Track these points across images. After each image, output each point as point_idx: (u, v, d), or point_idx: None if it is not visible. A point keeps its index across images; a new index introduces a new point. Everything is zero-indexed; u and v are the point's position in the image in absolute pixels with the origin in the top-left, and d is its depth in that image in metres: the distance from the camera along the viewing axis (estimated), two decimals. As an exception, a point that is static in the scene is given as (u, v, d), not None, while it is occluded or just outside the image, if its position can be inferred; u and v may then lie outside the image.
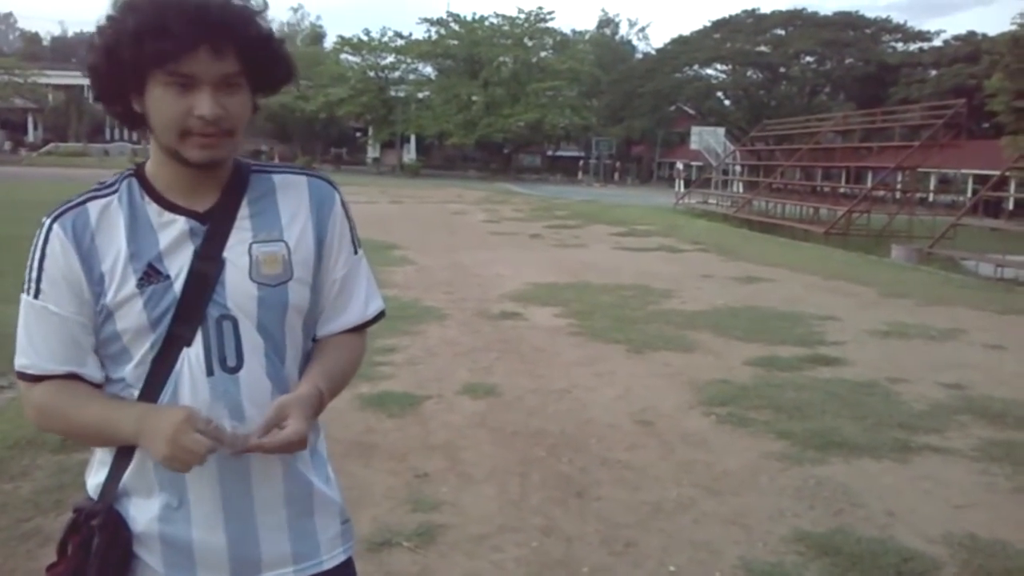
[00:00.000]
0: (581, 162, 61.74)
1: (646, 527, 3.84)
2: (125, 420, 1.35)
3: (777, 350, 7.39)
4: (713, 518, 3.95)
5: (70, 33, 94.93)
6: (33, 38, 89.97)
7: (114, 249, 1.37)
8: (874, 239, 20.70)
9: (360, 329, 1.58)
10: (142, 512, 1.42)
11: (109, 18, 1.31)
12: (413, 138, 60.87)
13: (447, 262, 13.05)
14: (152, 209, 1.40)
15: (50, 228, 1.38)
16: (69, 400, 1.39)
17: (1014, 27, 31.23)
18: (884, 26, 58.93)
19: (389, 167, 57.94)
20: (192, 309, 1.37)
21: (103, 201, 1.40)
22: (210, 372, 1.39)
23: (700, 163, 45.06)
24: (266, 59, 1.37)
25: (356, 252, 1.56)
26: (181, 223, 1.39)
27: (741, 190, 34.42)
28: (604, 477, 4.44)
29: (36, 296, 1.38)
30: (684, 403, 5.79)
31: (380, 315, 1.61)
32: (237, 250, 1.41)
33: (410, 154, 61.35)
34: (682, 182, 40.91)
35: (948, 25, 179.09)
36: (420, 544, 3.59)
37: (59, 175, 32.20)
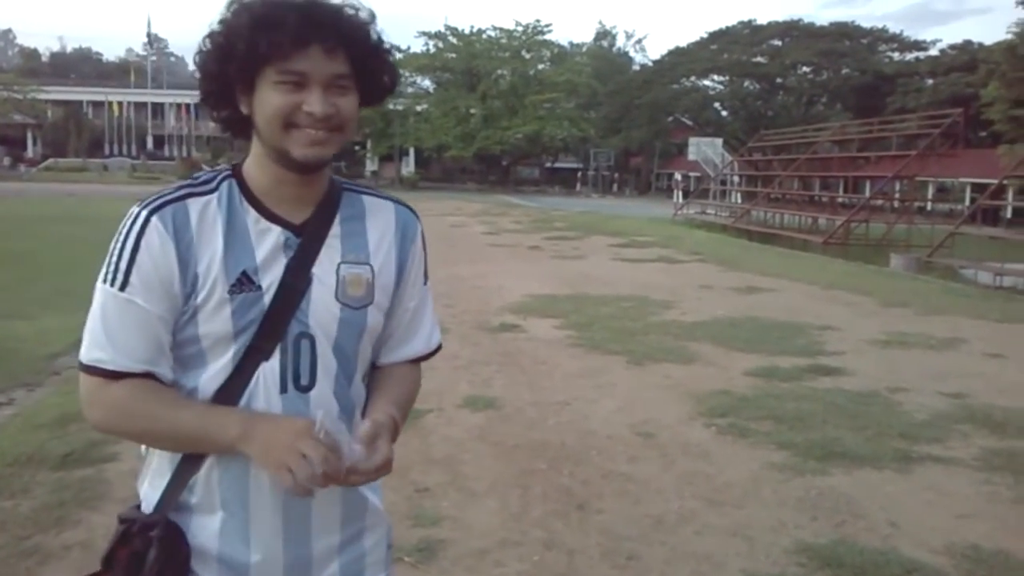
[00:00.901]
0: (579, 174, 61.95)
1: (648, 540, 3.83)
2: (229, 425, 1.32)
3: (777, 360, 7.38)
4: (715, 530, 3.94)
5: (69, 49, 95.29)
6: (32, 54, 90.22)
7: (211, 251, 1.34)
8: (873, 248, 20.75)
9: (420, 360, 1.60)
10: (202, 527, 1.39)
11: (222, 21, 1.32)
12: (412, 151, 61.05)
13: (446, 275, 13.04)
14: (250, 215, 1.38)
15: (148, 220, 1.33)
16: (157, 401, 1.34)
17: (1010, 36, 31.40)
18: (880, 36, 59.24)
19: (388, 180, 58.00)
20: (277, 323, 1.36)
21: (202, 200, 1.36)
22: (284, 389, 1.37)
23: (698, 174, 45.21)
24: (376, 66, 1.38)
25: (426, 283, 1.60)
26: (277, 233, 1.38)
27: (739, 200, 34.55)
28: (605, 490, 4.42)
29: (123, 288, 1.32)
30: (685, 414, 5.78)
31: (438, 348, 1.65)
32: (326, 268, 1.40)
33: (409, 167, 61.51)
34: (680, 193, 41.03)
35: (944, 34, 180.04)
36: (422, 560, 3.57)
37: (59, 190, 32.25)
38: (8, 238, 13.27)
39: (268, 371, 1.36)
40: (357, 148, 64.68)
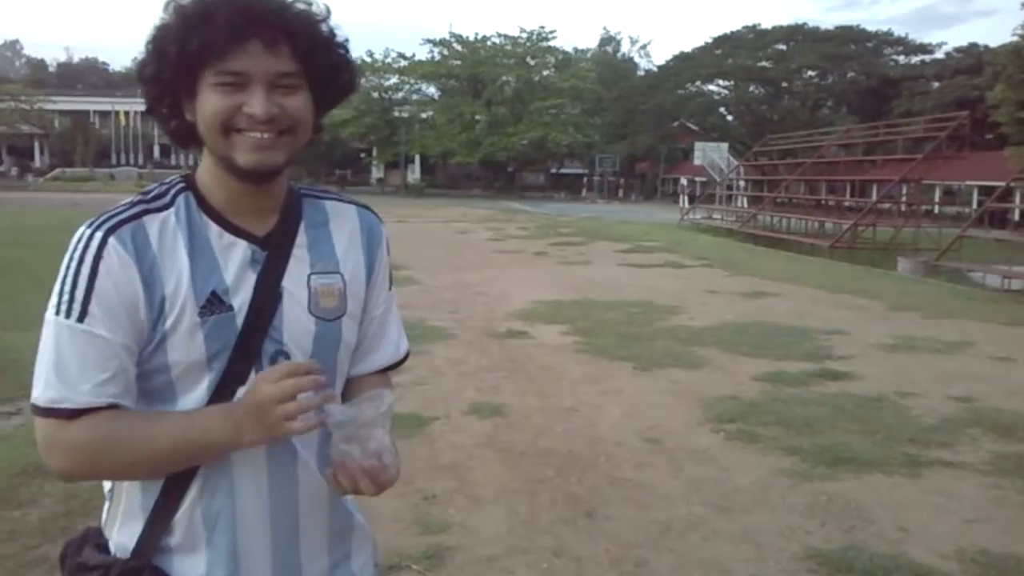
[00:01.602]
0: (585, 179, 61.94)
1: (656, 546, 3.82)
2: (211, 427, 1.21)
3: (785, 365, 7.36)
4: (723, 536, 3.93)
5: (76, 59, 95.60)
6: (39, 64, 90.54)
7: (176, 271, 1.23)
8: (880, 252, 20.67)
9: (389, 370, 1.51)
10: (187, 569, 1.29)
11: (157, 25, 1.22)
12: (417, 158, 61.08)
13: (452, 281, 13.05)
14: (212, 230, 1.27)
15: (104, 241, 1.20)
16: (127, 428, 1.21)
17: (1015, 38, 31.29)
18: (885, 39, 59.14)
19: (393, 187, 58.12)
20: (251, 344, 1.26)
21: (159, 216, 1.25)
22: None
23: (704, 179, 45.13)
24: (329, 62, 1.28)
25: (390, 289, 1.51)
26: (243, 247, 1.28)
27: (745, 205, 34.48)
28: (613, 496, 4.41)
29: (81, 319, 1.19)
30: (692, 420, 5.77)
31: (407, 356, 1.54)
32: (296, 280, 1.32)
33: (414, 174, 61.54)
34: (686, 198, 40.98)
35: (949, 37, 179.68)
36: (429, 567, 3.57)
37: (66, 200, 32.37)
38: (9, 247, 13.32)
39: None
40: (362, 156, 64.85)
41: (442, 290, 12.12)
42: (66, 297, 1.20)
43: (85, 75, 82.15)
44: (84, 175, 51.91)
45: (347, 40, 1.32)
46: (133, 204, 1.26)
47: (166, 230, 1.24)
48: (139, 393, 1.25)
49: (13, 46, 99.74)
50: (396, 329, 1.51)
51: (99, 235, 1.21)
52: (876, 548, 3.78)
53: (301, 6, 1.25)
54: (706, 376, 7.05)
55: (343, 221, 1.42)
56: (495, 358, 7.65)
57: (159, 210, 1.26)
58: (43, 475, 4.37)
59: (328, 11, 1.29)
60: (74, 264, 1.20)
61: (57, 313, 1.20)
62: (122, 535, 1.31)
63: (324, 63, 1.27)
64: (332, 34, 1.29)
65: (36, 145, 61.88)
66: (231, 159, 1.23)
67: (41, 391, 1.21)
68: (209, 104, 1.21)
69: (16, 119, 55.67)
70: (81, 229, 1.23)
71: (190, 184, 1.31)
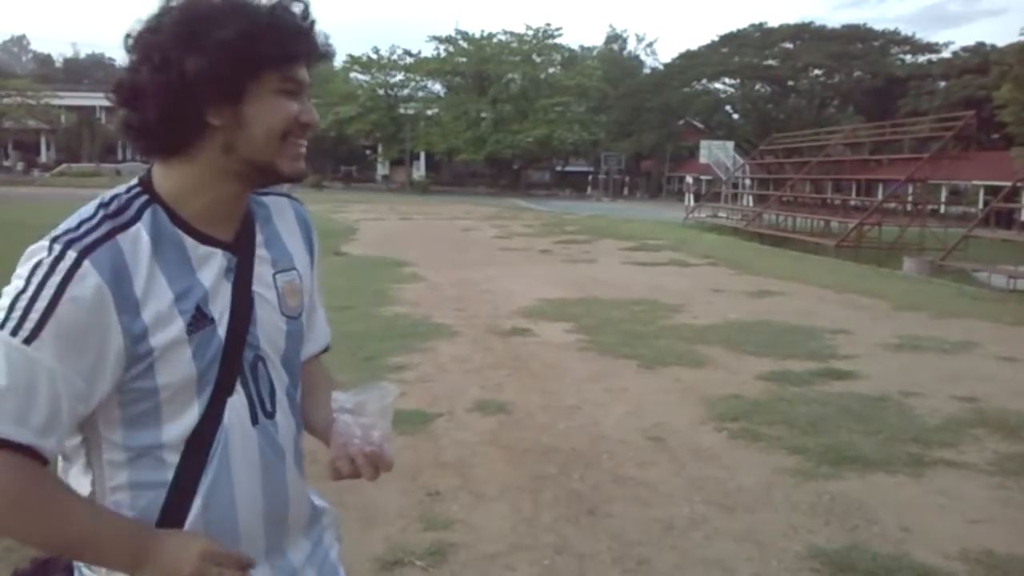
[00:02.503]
0: (590, 177, 61.94)
1: (659, 545, 3.82)
2: (124, 544, 1.18)
3: (789, 364, 7.35)
4: (726, 535, 3.93)
5: (82, 55, 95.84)
6: (46, 60, 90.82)
7: (156, 292, 1.17)
8: (886, 252, 20.67)
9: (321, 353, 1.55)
10: None
11: (204, 18, 1.15)
12: (422, 155, 61.22)
13: (457, 278, 13.06)
14: (187, 242, 1.22)
15: (77, 263, 1.12)
16: (39, 490, 1.14)
17: (1023, 37, 31.18)
18: (892, 38, 59.06)
19: (399, 184, 58.21)
20: (234, 354, 1.25)
21: (128, 234, 1.17)
22: (255, 421, 1.29)
23: (709, 177, 45.11)
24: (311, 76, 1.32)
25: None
26: (219, 257, 1.25)
27: (751, 203, 34.48)
28: (616, 494, 4.41)
29: (28, 341, 1.09)
30: (696, 419, 5.77)
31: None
32: (265, 282, 1.31)
33: (419, 171, 61.63)
34: (692, 196, 40.97)
35: (956, 37, 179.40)
36: (432, 563, 3.57)
37: (72, 195, 32.42)
38: (20, 245, 13.33)
39: (237, 406, 1.26)
40: (368, 152, 64.91)
41: (447, 287, 12.12)
42: (17, 313, 1.10)
43: (92, 70, 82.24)
44: (90, 170, 52.00)
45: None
46: (99, 220, 1.17)
47: (138, 248, 1.17)
48: (120, 419, 1.20)
49: (20, 41, 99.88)
50: (323, 315, 1.54)
51: (71, 254, 1.12)
52: (879, 548, 3.77)
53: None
54: (710, 375, 7.04)
55: (283, 214, 1.42)
56: (499, 355, 7.66)
57: (125, 226, 1.18)
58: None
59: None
60: (35, 280, 1.11)
61: (2, 328, 1.10)
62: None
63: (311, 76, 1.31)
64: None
65: (42, 140, 62.07)
66: (274, 166, 1.23)
67: None
68: (278, 109, 1.21)
69: (22, 114, 55.81)
70: (45, 243, 1.14)
71: (153, 196, 1.23)
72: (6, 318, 1.11)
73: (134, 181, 1.26)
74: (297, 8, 1.21)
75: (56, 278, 1.11)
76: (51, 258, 1.12)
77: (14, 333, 1.10)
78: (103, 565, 1.22)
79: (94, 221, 1.17)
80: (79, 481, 1.26)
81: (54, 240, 1.14)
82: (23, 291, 1.11)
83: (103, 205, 1.20)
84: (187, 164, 1.22)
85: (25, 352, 1.10)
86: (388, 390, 1.29)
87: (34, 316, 1.10)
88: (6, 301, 1.12)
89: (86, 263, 1.12)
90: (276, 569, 1.36)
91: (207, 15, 1.15)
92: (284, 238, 1.39)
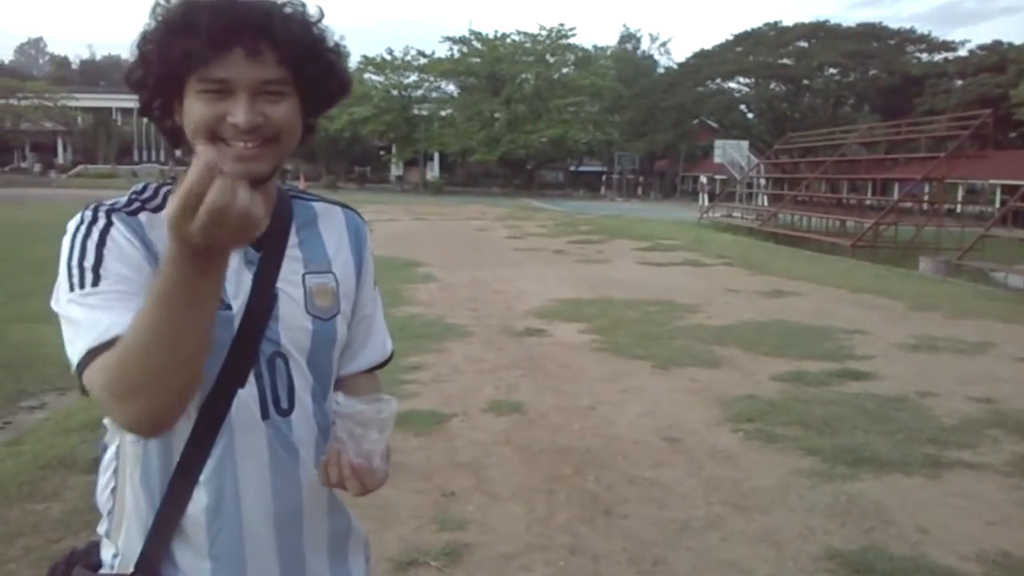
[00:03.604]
0: (604, 177, 61.82)
1: (674, 545, 3.81)
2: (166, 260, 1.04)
3: (805, 365, 7.33)
4: (742, 536, 3.91)
5: (99, 56, 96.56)
6: (62, 62, 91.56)
7: None
8: (902, 251, 20.54)
9: (375, 369, 1.51)
10: (195, 575, 1.29)
11: (142, 31, 1.20)
12: (436, 156, 61.26)
13: (471, 279, 13.07)
14: None
15: (109, 220, 1.21)
16: (122, 350, 1.09)
17: (1040, 36, 30.94)
18: (908, 37, 58.70)
19: (412, 185, 58.27)
20: (247, 345, 1.25)
21: (152, 214, 1.23)
22: (265, 416, 1.28)
23: (724, 177, 44.93)
24: (316, 69, 1.24)
25: (375, 287, 1.51)
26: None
27: (766, 203, 34.30)
28: (631, 495, 4.41)
29: (96, 283, 1.15)
30: (711, 419, 5.75)
31: (392, 355, 1.54)
32: (291, 281, 1.31)
33: (433, 171, 61.70)
34: (706, 196, 40.82)
35: (973, 35, 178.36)
36: (447, 564, 3.58)
37: (89, 197, 32.55)
38: (38, 244, 13.43)
39: (246, 398, 1.26)
40: (382, 153, 65.03)
41: (461, 287, 12.13)
42: (76, 271, 1.17)
43: (108, 72, 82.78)
44: (107, 171, 52.38)
45: (340, 43, 1.29)
46: (130, 200, 1.26)
47: (160, 227, 1.17)
48: None
49: (37, 44, 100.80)
50: (382, 328, 1.52)
51: (103, 213, 1.22)
52: (896, 549, 3.76)
53: (288, 10, 1.22)
54: (725, 375, 7.02)
55: (331, 221, 1.42)
56: (513, 356, 7.66)
57: (153, 209, 1.24)
58: (67, 469, 4.42)
59: (321, 13, 1.26)
60: (79, 240, 1.19)
61: (71, 290, 1.16)
62: (127, 545, 1.29)
63: (312, 69, 1.24)
64: (322, 38, 1.26)
65: (59, 142, 62.49)
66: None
67: (79, 351, 1.13)
68: (194, 112, 1.19)
69: (40, 116, 56.26)
70: (81, 212, 1.23)
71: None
72: (69, 281, 1.17)
73: (167, 179, 1.32)
74: (220, 1, 1.17)
75: (95, 232, 1.19)
76: (86, 222, 1.21)
77: (82, 286, 1.16)
78: (184, 299, 1.03)
79: (125, 199, 1.26)
80: (108, 464, 1.33)
81: (88, 208, 1.23)
82: (71, 254, 1.18)
83: (136, 192, 1.29)
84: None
85: (92, 292, 1.16)
86: (387, 404, 1.25)
87: (88, 264, 1.17)
88: (63, 270, 1.19)
89: (116, 221, 1.21)
90: None
91: (147, 24, 1.20)
92: (325, 243, 1.39)
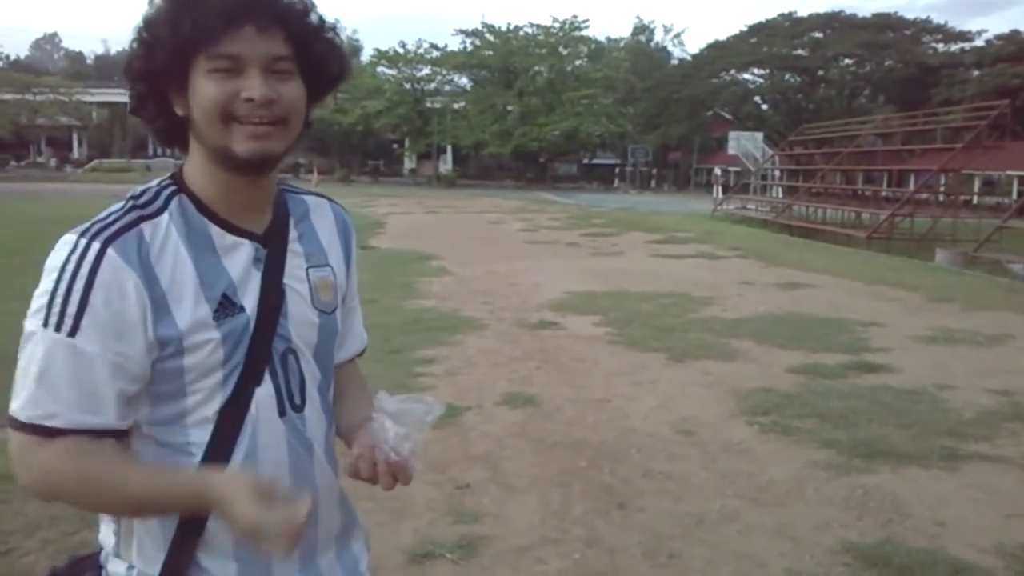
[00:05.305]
0: (617, 169, 61.70)
1: (689, 539, 3.80)
2: (182, 495, 1.18)
3: (821, 357, 7.29)
4: (758, 529, 3.90)
5: (113, 51, 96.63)
6: (77, 57, 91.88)
7: (182, 278, 1.20)
8: (918, 243, 20.41)
9: (357, 357, 1.56)
10: None
11: (145, 15, 1.20)
12: (449, 149, 61.21)
13: (484, 272, 13.07)
14: (213, 231, 1.25)
15: (101, 253, 1.15)
16: (103, 467, 1.17)
17: (1059, 25, 30.64)
18: (924, 27, 58.14)
19: (425, 178, 58.27)
20: (263, 344, 1.26)
21: (154, 222, 1.21)
22: (282, 413, 1.28)
23: (738, 168, 44.74)
24: (319, 49, 1.26)
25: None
26: (246, 247, 1.27)
27: (780, 195, 34.16)
28: (646, 488, 4.40)
29: (72, 333, 1.14)
30: (726, 412, 5.73)
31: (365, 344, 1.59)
32: (296, 276, 1.32)
33: (446, 165, 61.65)
34: (720, 188, 40.66)
35: (990, 24, 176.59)
36: (462, 556, 3.58)
37: (103, 191, 32.82)
38: (53, 241, 13.51)
39: (264, 396, 1.26)
40: (395, 146, 65.07)
41: (474, 280, 12.13)
42: (56, 309, 1.14)
43: (123, 67, 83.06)
44: (122, 166, 52.59)
45: (336, 26, 1.30)
46: (127, 210, 1.22)
47: (167, 237, 1.21)
48: (148, 396, 1.22)
49: (52, 39, 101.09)
50: (360, 317, 1.56)
51: (96, 246, 1.16)
52: (913, 542, 3.74)
53: None
54: (740, 368, 7.00)
55: (322, 215, 1.44)
56: (527, 348, 7.66)
57: (153, 216, 1.22)
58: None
59: (312, 3, 1.27)
60: (67, 275, 1.15)
61: (45, 325, 1.15)
62: (142, 559, 1.27)
63: (315, 48, 1.25)
64: (321, 20, 1.27)
65: (74, 136, 62.86)
66: (229, 149, 1.20)
67: (22, 405, 1.16)
68: (206, 92, 1.17)
69: (55, 111, 56.57)
70: (70, 237, 1.18)
71: (180, 185, 1.27)
72: (47, 315, 1.15)
73: (167, 175, 1.30)
74: None
75: (84, 270, 1.15)
76: (78, 253, 1.16)
77: (58, 329, 1.15)
78: (171, 512, 1.22)
79: (121, 212, 1.22)
80: None
81: (81, 234, 1.18)
82: (57, 287, 1.15)
83: (134, 197, 1.25)
84: (192, 155, 1.27)
85: (72, 345, 1.15)
86: (433, 407, 1.27)
87: (71, 309, 1.14)
88: (44, 299, 1.16)
89: (110, 251, 1.16)
90: (307, 573, 1.35)
91: (150, 9, 1.20)
92: (320, 235, 1.41)
